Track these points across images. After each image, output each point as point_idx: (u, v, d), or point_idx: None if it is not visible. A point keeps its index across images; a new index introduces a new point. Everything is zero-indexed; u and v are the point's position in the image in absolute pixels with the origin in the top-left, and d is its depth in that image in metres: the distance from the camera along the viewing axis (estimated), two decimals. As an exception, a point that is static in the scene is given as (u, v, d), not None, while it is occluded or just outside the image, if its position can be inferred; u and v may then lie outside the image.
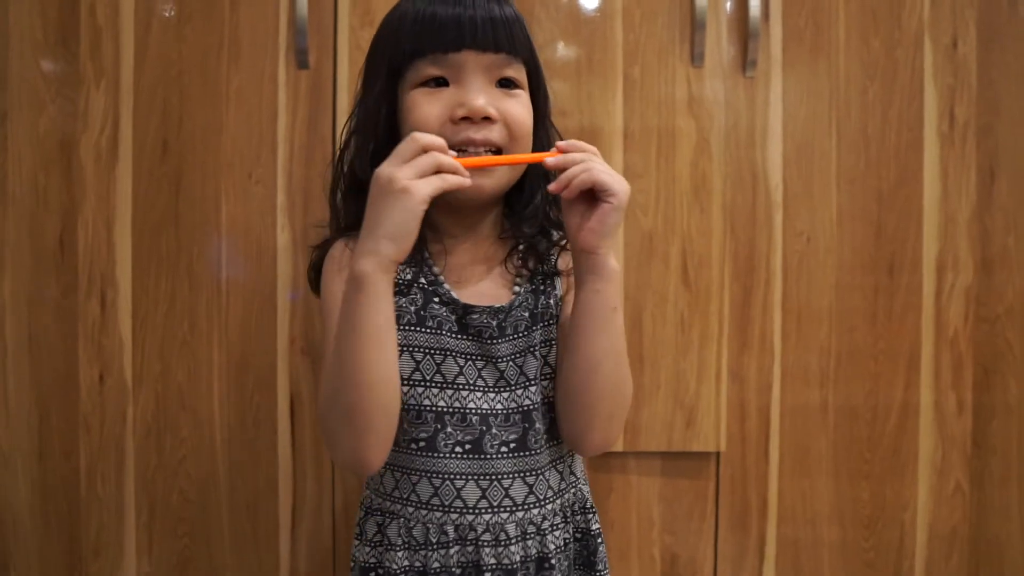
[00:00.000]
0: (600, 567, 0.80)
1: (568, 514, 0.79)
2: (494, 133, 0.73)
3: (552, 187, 0.70)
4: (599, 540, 0.80)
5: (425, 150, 0.65)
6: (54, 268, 1.06)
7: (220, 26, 1.05)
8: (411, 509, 0.75)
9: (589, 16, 1.07)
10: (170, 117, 1.05)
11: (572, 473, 0.81)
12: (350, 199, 0.78)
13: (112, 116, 1.05)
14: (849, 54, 1.09)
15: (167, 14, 1.05)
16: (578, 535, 0.80)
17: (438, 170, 0.65)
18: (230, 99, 1.06)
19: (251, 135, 1.06)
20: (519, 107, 0.75)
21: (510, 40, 0.74)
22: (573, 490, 0.80)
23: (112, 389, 1.06)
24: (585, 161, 0.68)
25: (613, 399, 0.73)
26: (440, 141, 0.66)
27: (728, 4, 1.07)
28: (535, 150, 0.78)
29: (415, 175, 0.63)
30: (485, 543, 0.73)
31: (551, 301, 0.78)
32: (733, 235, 1.09)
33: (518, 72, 0.76)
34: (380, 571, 0.76)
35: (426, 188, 0.63)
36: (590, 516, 0.81)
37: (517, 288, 0.77)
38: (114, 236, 1.06)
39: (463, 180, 0.66)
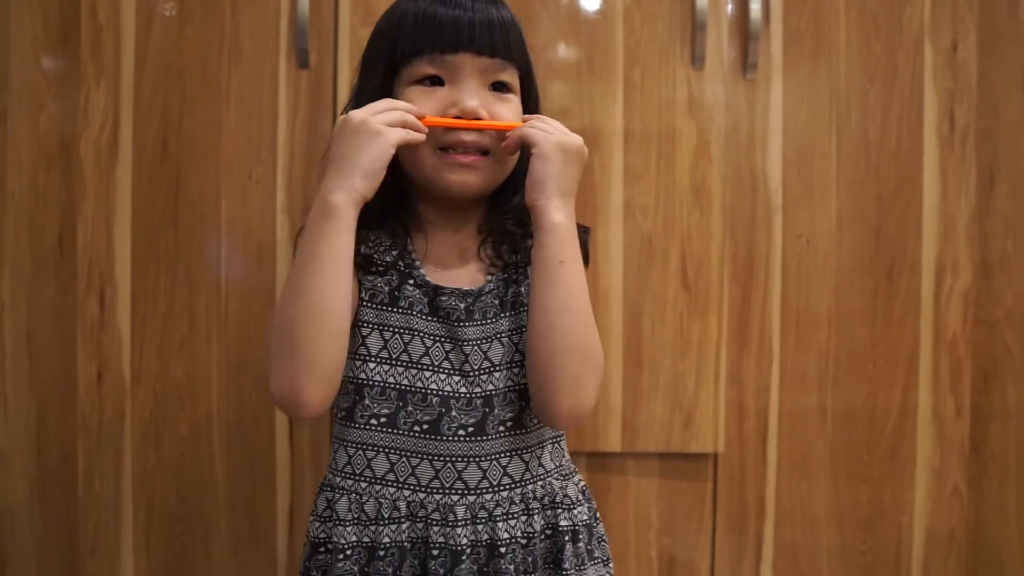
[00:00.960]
0: (567, 566, 0.77)
1: (533, 507, 0.78)
2: (484, 136, 0.75)
3: (503, 143, 0.75)
4: (567, 538, 0.78)
5: (395, 109, 0.71)
6: (53, 266, 1.06)
7: (221, 25, 1.05)
8: (364, 484, 0.76)
9: (590, 17, 1.07)
10: (170, 116, 1.05)
11: (540, 465, 0.79)
12: None
13: (112, 115, 1.05)
14: (849, 57, 1.09)
15: (168, 13, 1.05)
16: (548, 531, 0.79)
17: (403, 125, 0.70)
18: (230, 98, 1.06)
19: (251, 134, 1.06)
20: (510, 112, 0.77)
21: (506, 45, 0.76)
22: (541, 483, 0.79)
23: (110, 388, 1.06)
24: (530, 123, 0.74)
25: (577, 359, 0.72)
26: (408, 106, 0.72)
27: (729, 6, 1.07)
28: (520, 154, 0.79)
29: (385, 122, 0.69)
30: (434, 521, 0.75)
31: (522, 289, 0.79)
32: (733, 237, 1.09)
33: (511, 77, 0.78)
34: (329, 545, 0.76)
35: (396, 134, 0.70)
36: (559, 512, 0.79)
37: (489, 276, 0.79)
38: (113, 235, 1.06)
39: (420, 136, 0.72)
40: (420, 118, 0.73)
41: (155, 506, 1.07)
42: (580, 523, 0.80)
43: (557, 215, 0.72)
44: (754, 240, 1.09)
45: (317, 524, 0.78)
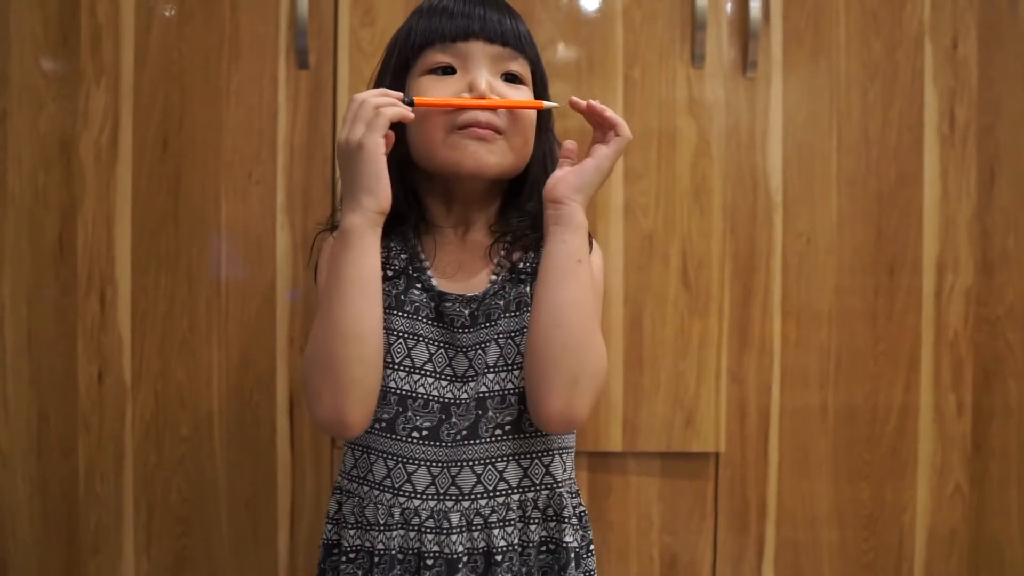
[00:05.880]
0: None
1: (532, 515, 0.76)
2: (498, 117, 0.74)
3: (575, 100, 0.74)
4: (572, 555, 0.75)
5: (368, 103, 0.68)
6: (53, 267, 1.06)
7: (220, 25, 1.05)
8: (366, 488, 0.76)
9: (590, 17, 1.07)
10: (170, 116, 1.05)
11: (549, 474, 0.77)
12: None
13: (112, 115, 1.05)
14: (849, 55, 1.09)
15: (168, 13, 1.05)
16: (551, 545, 0.76)
17: (378, 116, 0.68)
18: (230, 98, 1.06)
19: (251, 134, 1.06)
20: (523, 98, 0.77)
21: (516, 35, 0.76)
22: (546, 492, 0.77)
23: (111, 388, 1.06)
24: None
25: (577, 357, 0.69)
26: (380, 90, 0.70)
27: (728, 5, 1.07)
28: (536, 156, 0.79)
29: (363, 129, 0.67)
30: (428, 529, 0.74)
31: (527, 290, 0.77)
32: (733, 236, 1.09)
33: (523, 68, 0.77)
34: (340, 548, 0.78)
35: (375, 137, 0.67)
36: (564, 526, 0.76)
37: (494, 277, 0.78)
38: (114, 235, 1.06)
39: (403, 111, 0.69)
40: (414, 103, 0.71)
41: (156, 506, 1.07)
42: (576, 547, 0.77)
43: (582, 216, 0.72)
44: (755, 239, 1.09)
45: (330, 527, 0.79)
